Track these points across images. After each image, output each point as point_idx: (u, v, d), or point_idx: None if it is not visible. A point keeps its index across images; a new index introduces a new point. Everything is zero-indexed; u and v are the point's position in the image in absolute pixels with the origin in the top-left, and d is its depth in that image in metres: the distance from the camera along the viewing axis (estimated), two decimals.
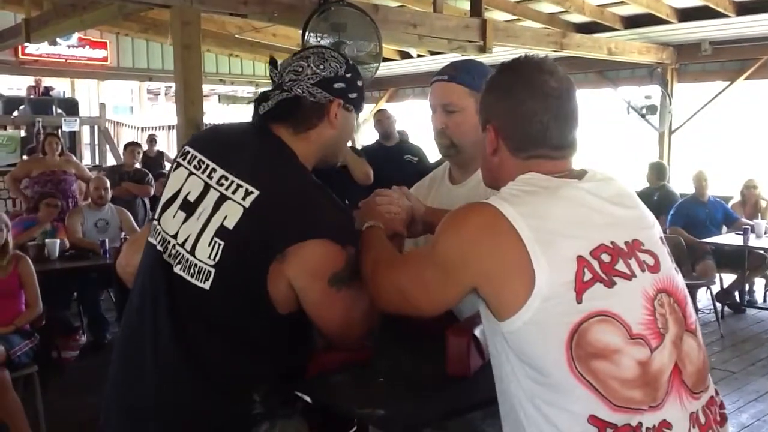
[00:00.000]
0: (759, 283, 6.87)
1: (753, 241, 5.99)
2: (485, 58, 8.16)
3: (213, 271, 1.37)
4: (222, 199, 1.40)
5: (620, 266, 1.17)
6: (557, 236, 1.15)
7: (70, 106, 11.49)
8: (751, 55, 7.71)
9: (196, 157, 1.49)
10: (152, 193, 6.89)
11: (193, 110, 4.51)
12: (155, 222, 1.51)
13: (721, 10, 6.75)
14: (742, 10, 6.81)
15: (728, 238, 6.30)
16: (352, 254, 1.43)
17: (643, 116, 8.47)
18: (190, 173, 1.48)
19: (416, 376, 1.54)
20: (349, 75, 1.54)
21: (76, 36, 9.86)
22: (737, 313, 6.43)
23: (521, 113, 1.28)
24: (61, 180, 6.47)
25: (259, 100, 1.53)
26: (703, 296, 6.51)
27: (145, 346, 1.43)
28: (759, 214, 6.61)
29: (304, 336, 1.52)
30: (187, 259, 1.41)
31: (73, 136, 10.81)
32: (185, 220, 1.44)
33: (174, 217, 1.46)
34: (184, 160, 1.51)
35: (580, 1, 7.24)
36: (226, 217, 1.38)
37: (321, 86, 1.49)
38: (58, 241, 5.01)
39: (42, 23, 6.45)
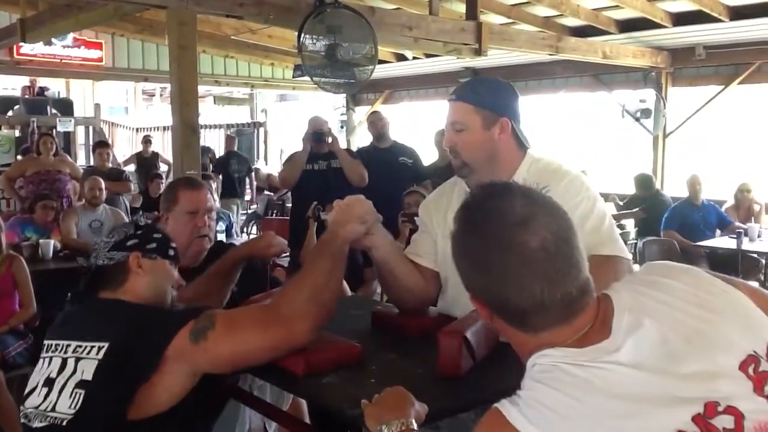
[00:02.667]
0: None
1: (746, 245, 6.02)
2: (480, 61, 8.20)
3: (71, 416, 1.49)
4: (77, 360, 1.55)
5: None
6: None
7: (65, 107, 11.47)
8: (744, 60, 7.74)
9: (52, 344, 1.65)
10: (132, 189, 6.83)
11: (189, 111, 4.51)
12: (21, 407, 1.63)
13: (716, 15, 6.78)
14: (735, 15, 6.85)
15: (722, 242, 6.32)
16: (201, 314, 1.56)
17: (637, 120, 8.50)
18: (51, 359, 1.62)
19: (408, 376, 1.55)
20: (140, 232, 1.79)
21: (71, 36, 9.84)
22: None
23: (506, 289, 1.05)
24: (56, 180, 6.46)
25: (76, 284, 1.79)
26: None
27: None
28: (752, 218, 6.64)
29: None
30: (47, 416, 1.53)
31: (68, 137, 10.79)
32: (48, 393, 1.56)
33: (38, 395, 1.58)
34: (45, 352, 1.66)
35: (575, 4, 7.26)
36: (83, 371, 1.52)
37: (115, 249, 1.74)
38: (52, 241, 4.99)
39: (37, 23, 6.44)
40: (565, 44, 7.10)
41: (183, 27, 4.44)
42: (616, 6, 7.10)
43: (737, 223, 6.51)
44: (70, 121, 10.64)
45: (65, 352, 1.60)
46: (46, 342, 1.70)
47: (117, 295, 1.70)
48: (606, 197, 8.24)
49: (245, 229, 10.69)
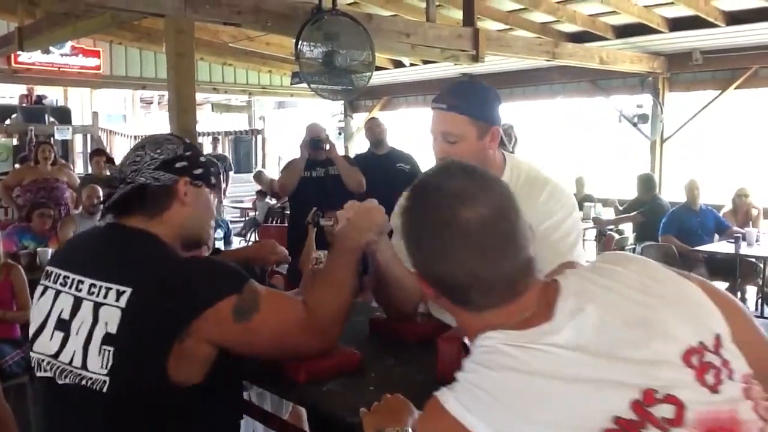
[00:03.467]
0: (751, 291, 6.90)
1: (745, 249, 6.03)
2: (478, 67, 8.21)
3: (108, 378, 1.35)
4: (97, 307, 1.38)
5: None
6: None
7: (63, 115, 11.48)
8: (741, 65, 7.76)
9: (60, 274, 1.48)
10: None
11: (186, 119, 4.50)
12: (31, 353, 1.49)
13: (712, 20, 6.80)
14: (732, 20, 6.86)
15: (720, 247, 6.33)
16: (245, 286, 1.42)
17: (634, 125, 8.51)
18: (58, 292, 1.46)
19: (408, 383, 1.54)
20: (188, 153, 1.56)
21: (69, 44, 9.85)
22: None
23: (443, 265, 1.04)
24: (54, 188, 6.46)
25: (106, 199, 1.56)
26: None
27: None
28: (750, 223, 6.65)
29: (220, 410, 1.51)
30: (79, 374, 1.38)
31: (66, 145, 10.80)
32: (65, 339, 1.41)
33: (51, 339, 1.43)
34: (48, 281, 1.50)
35: (572, 10, 7.28)
36: (107, 323, 1.36)
37: (163, 169, 1.51)
38: (50, 249, 4.99)
39: (35, 32, 6.43)
40: (562, 50, 7.11)
41: (181, 35, 4.44)
42: (613, 12, 7.12)
43: (735, 228, 6.51)
44: (68, 129, 10.67)
45: (77, 290, 1.42)
46: (49, 269, 1.52)
47: (150, 226, 1.49)
48: (605, 202, 8.26)
49: (246, 236, 10.70)
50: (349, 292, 1.54)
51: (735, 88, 7.97)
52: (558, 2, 7.07)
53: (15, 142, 10.25)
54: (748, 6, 6.56)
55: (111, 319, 1.36)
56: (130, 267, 1.43)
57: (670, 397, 0.91)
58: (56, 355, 1.41)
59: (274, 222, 9.40)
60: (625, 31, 7.68)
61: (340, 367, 1.62)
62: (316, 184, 4.94)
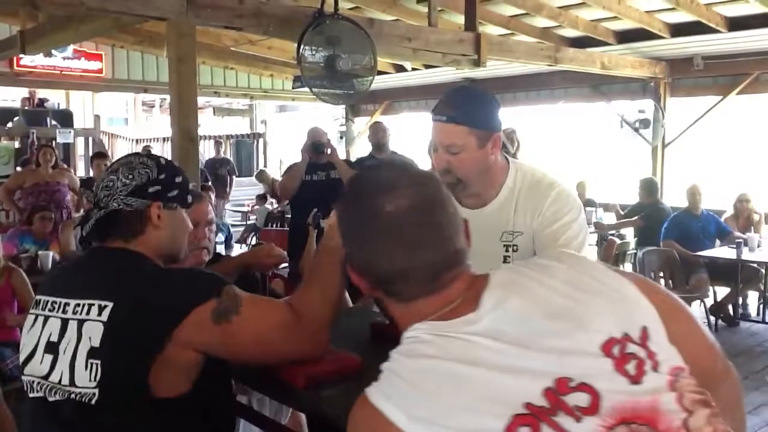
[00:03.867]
0: (752, 296, 6.89)
1: (746, 255, 6.02)
2: (479, 72, 8.22)
3: (96, 390, 1.37)
4: (81, 324, 1.41)
5: None
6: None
7: (65, 118, 11.49)
8: (742, 70, 7.76)
9: (48, 301, 1.50)
10: None
11: (188, 122, 4.50)
12: (23, 377, 1.51)
13: (713, 26, 6.80)
14: (734, 26, 6.87)
15: (721, 252, 6.32)
16: (224, 291, 1.43)
17: (636, 130, 8.51)
18: (46, 318, 1.49)
19: None
20: (162, 176, 1.57)
21: (71, 48, 9.86)
22: (731, 327, 6.43)
23: (366, 256, 1.08)
24: (55, 191, 6.47)
25: (82, 223, 1.57)
26: (697, 309, 6.52)
27: None
28: (752, 228, 6.64)
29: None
30: (68, 391, 1.40)
31: (68, 148, 10.80)
32: (54, 361, 1.44)
33: (41, 362, 1.46)
34: (37, 309, 1.53)
35: (574, 16, 7.29)
36: (90, 338, 1.39)
37: (135, 195, 1.53)
38: (51, 253, 4.99)
39: (37, 35, 6.45)
40: (563, 55, 7.11)
41: (182, 38, 4.45)
42: (615, 17, 7.13)
43: (737, 233, 6.50)
44: (70, 132, 10.66)
45: (64, 312, 1.45)
46: (38, 297, 1.55)
47: (129, 246, 1.53)
48: (606, 207, 8.24)
49: (246, 241, 10.70)
50: (334, 291, 1.52)
51: (736, 94, 7.97)
52: (560, 7, 7.08)
53: (17, 145, 10.25)
54: (749, 12, 6.56)
55: (94, 334, 1.38)
56: (111, 282, 1.46)
57: (585, 385, 0.92)
58: (46, 377, 1.44)
59: (274, 227, 9.40)
60: (626, 37, 7.69)
61: (340, 372, 1.62)
62: (317, 188, 4.94)
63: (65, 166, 7.57)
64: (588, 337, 0.97)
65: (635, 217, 7.23)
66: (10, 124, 10.78)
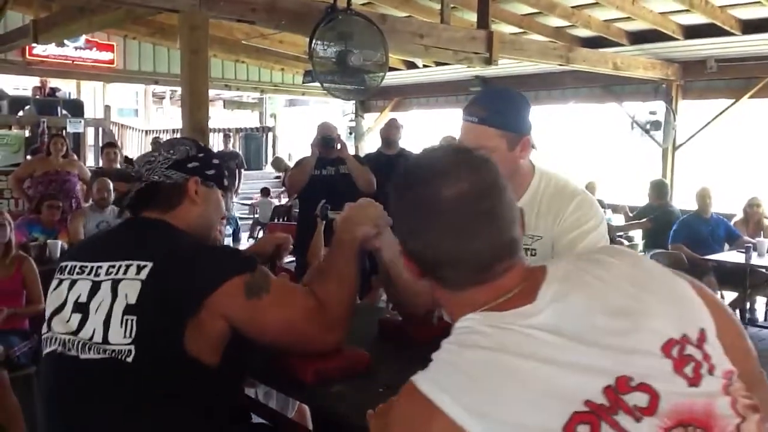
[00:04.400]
0: (760, 301, 6.85)
1: (755, 260, 5.98)
2: (491, 70, 8.20)
3: (132, 347, 1.38)
4: (116, 283, 1.43)
5: None
6: (519, 430, 0.88)
7: (76, 108, 11.52)
8: (756, 74, 7.72)
9: (75, 266, 1.52)
10: None
11: (199, 115, 4.51)
12: (45, 334, 1.51)
13: (727, 28, 6.76)
14: (748, 29, 6.83)
15: (730, 256, 6.28)
16: (257, 269, 1.48)
17: (647, 132, 8.47)
18: (73, 282, 1.50)
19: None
20: (201, 155, 1.66)
21: (83, 38, 9.90)
22: None
23: (418, 241, 1.05)
24: (66, 181, 6.48)
25: (122, 197, 1.66)
26: None
27: None
28: (761, 233, 6.60)
29: (231, 394, 1.54)
30: (102, 348, 1.40)
31: (78, 138, 10.83)
32: (84, 319, 1.44)
33: (69, 320, 1.46)
34: (62, 274, 1.54)
35: (587, 15, 7.26)
36: (126, 295, 1.41)
37: (175, 168, 1.61)
38: (60, 242, 5.00)
39: (50, 25, 6.47)
40: (575, 55, 7.09)
41: (195, 31, 4.45)
42: (628, 18, 7.09)
43: (746, 238, 6.47)
44: (80, 122, 10.69)
45: (96, 275, 1.47)
46: (64, 263, 1.56)
47: (165, 218, 1.58)
48: (616, 208, 8.22)
49: (253, 235, 10.72)
50: (352, 284, 1.57)
51: (749, 97, 7.93)
52: (573, 7, 7.05)
53: (27, 133, 10.29)
54: (764, 15, 6.52)
55: (130, 291, 1.40)
56: (151, 245, 1.49)
57: (645, 385, 0.91)
58: (76, 333, 1.44)
59: (281, 221, 9.42)
60: (639, 38, 7.65)
61: (348, 368, 1.62)
62: (326, 182, 4.94)
63: (75, 156, 7.57)
64: (648, 337, 0.95)
65: (644, 219, 7.20)
66: (21, 113, 10.83)
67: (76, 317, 1.45)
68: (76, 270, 1.51)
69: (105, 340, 1.40)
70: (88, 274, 1.48)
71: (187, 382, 1.40)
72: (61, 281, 1.53)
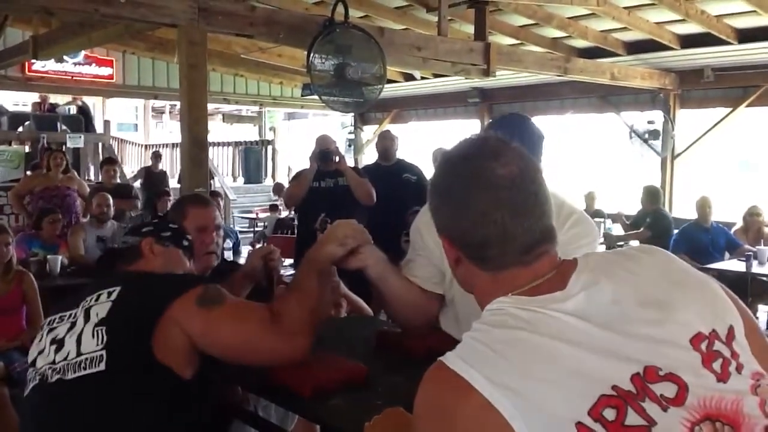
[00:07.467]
0: (762, 309, 6.84)
1: (756, 268, 5.97)
2: (488, 82, 8.23)
3: (104, 353, 1.47)
4: (88, 311, 1.56)
5: (632, 419, 0.88)
6: (546, 407, 0.88)
7: (75, 123, 11.55)
8: (753, 82, 7.74)
9: (56, 317, 1.64)
10: (139, 206, 6.85)
11: (198, 129, 4.52)
12: (29, 375, 1.61)
13: (724, 38, 6.79)
14: (744, 38, 6.86)
15: (731, 265, 6.27)
16: (213, 286, 1.59)
17: (645, 141, 8.49)
18: (52, 328, 1.62)
19: (414, 398, 1.53)
20: (155, 221, 1.98)
21: (82, 53, 9.94)
22: None
23: (469, 216, 1.05)
24: (66, 196, 6.50)
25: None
26: None
27: None
28: (762, 241, 6.59)
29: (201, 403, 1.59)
30: (74, 362, 1.49)
31: (77, 153, 10.85)
32: (59, 348, 1.55)
33: (49, 354, 1.56)
34: (47, 326, 1.65)
35: (584, 26, 7.29)
36: (97, 314, 1.53)
37: (130, 234, 1.89)
38: (60, 257, 5.00)
39: (50, 41, 6.50)
40: (573, 65, 7.11)
41: (193, 45, 4.47)
42: (624, 28, 7.13)
43: (746, 246, 6.46)
44: (80, 137, 10.71)
45: (73, 317, 1.59)
46: (48, 319, 1.69)
47: (129, 269, 1.79)
48: (615, 218, 8.22)
49: (255, 248, 10.70)
50: (312, 296, 1.63)
51: (746, 106, 7.95)
52: (569, 18, 7.08)
53: (27, 149, 10.31)
54: (760, 24, 6.55)
55: (101, 311, 1.53)
56: (119, 276, 1.70)
57: (673, 376, 0.91)
58: (54, 361, 1.53)
59: (283, 234, 9.41)
60: (636, 47, 7.69)
61: (346, 381, 1.62)
62: (324, 195, 4.94)
63: (75, 172, 7.59)
64: (678, 329, 0.95)
65: (641, 229, 7.20)
66: (21, 129, 10.85)
67: (53, 348, 1.56)
68: (56, 320, 1.63)
69: (78, 353, 1.49)
70: (66, 319, 1.60)
71: (162, 392, 1.46)
72: (42, 336, 1.64)
